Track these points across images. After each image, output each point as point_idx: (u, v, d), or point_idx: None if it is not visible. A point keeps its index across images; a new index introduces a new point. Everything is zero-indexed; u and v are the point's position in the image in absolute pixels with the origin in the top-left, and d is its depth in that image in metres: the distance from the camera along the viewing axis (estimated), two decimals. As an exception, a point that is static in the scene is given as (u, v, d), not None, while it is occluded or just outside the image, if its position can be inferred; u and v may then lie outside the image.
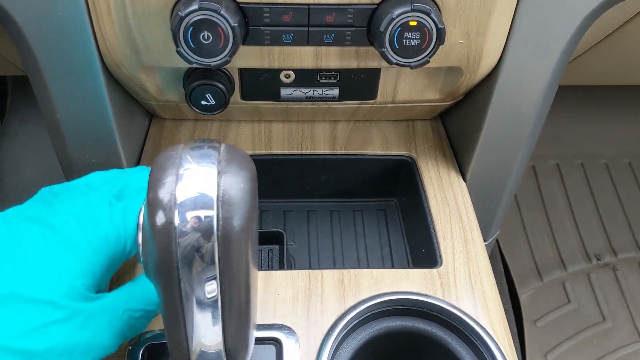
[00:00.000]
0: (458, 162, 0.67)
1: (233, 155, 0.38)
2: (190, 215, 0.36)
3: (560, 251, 1.23)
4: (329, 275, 0.56)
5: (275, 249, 0.65)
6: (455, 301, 0.54)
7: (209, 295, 0.38)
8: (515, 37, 0.54)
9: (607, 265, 1.20)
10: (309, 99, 0.61)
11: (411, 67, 0.51)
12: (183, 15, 0.47)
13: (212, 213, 0.36)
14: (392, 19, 0.48)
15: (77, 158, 0.61)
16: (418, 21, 0.48)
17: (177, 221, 0.36)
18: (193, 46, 0.48)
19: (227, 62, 0.49)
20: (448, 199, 0.63)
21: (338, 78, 0.59)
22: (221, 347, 0.41)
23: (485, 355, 0.52)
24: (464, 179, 0.66)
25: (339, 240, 0.69)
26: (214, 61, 0.49)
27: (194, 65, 0.50)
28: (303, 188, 0.70)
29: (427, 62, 0.51)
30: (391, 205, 0.71)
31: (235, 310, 0.39)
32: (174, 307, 0.39)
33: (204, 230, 0.36)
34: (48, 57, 0.52)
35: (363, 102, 0.62)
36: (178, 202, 0.36)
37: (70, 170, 0.62)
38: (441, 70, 0.60)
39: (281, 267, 0.62)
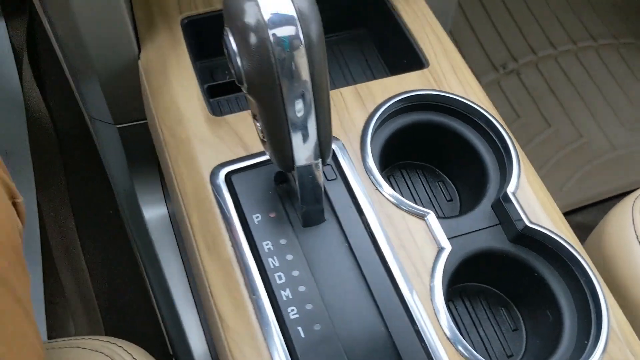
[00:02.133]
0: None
1: None
2: (279, 32, 0.43)
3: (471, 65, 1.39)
4: (347, 92, 0.65)
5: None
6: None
7: (306, 97, 0.46)
8: None
9: (512, 71, 1.38)
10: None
11: None
12: None
13: (296, 28, 0.43)
14: None
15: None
16: None
17: (271, 38, 0.43)
18: None
19: None
20: (416, 12, 0.73)
21: None
22: (315, 139, 0.49)
23: (495, 139, 0.64)
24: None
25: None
26: None
27: None
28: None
29: None
30: (364, 33, 0.80)
31: (325, 106, 0.48)
32: (280, 117, 0.46)
33: (293, 43, 0.43)
34: None
35: None
36: (267, 22, 0.43)
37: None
38: None
39: None
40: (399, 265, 0.55)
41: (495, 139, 0.64)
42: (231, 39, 0.45)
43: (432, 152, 0.69)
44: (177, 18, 0.69)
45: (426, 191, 0.69)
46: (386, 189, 0.60)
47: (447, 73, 0.68)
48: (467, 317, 0.61)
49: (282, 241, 0.56)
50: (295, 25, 0.43)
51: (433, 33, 0.71)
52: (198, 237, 0.58)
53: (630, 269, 0.65)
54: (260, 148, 0.61)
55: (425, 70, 0.68)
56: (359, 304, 0.54)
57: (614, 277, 0.65)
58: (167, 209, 0.89)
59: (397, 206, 0.59)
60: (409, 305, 0.54)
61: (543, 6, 1.47)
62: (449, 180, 0.70)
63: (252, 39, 0.43)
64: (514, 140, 0.63)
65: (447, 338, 0.53)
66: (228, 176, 0.59)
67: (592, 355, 0.52)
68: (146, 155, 0.82)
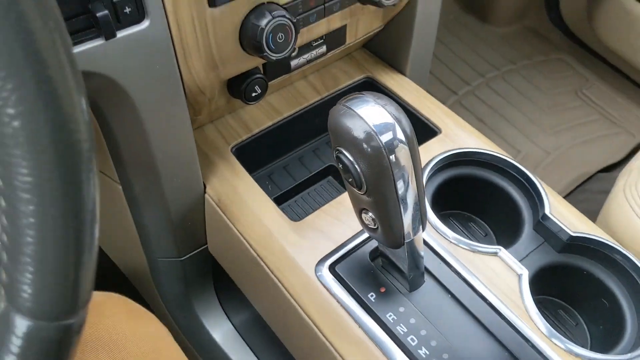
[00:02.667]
0: (394, 67, 0.91)
1: (378, 95, 0.56)
2: (386, 137, 0.54)
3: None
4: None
5: (331, 179, 0.83)
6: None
7: (412, 183, 0.57)
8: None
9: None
10: (309, 62, 0.78)
11: (394, 5, 0.72)
12: (263, 26, 0.61)
13: (397, 131, 0.55)
14: (379, -24, 0.69)
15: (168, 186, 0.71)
16: (395, -29, 0.69)
17: (382, 144, 0.54)
18: (273, 47, 0.63)
19: (294, 50, 0.65)
20: (412, 92, 0.88)
21: (324, 38, 0.77)
22: (419, 215, 0.60)
23: (518, 177, 0.78)
24: (406, 75, 0.90)
25: None
26: (286, 53, 0.64)
27: (272, 61, 0.64)
28: (307, 133, 0.88)
29: (402, -5, 0.72)
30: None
31: (422, 186, 0.58)
32: (395, 205, 0.57)
33: (399, 143, 0.55)
34: (148, 109, 0.61)
35: (338, 48, 0.81)
36: (376, 132, 0.54)
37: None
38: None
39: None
40: (496, 297, 0.67)
41: (519, 177, 0.78)
42: (346, 154, 0.55)
43: (462, 199, 0.82)
44: (227, 149, 0.79)
45: (464, 232, 0.82)
46: (453, 238, 0.72)
47: (457, 132, 0.82)
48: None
49: (401, 309, 0.66)
50: (395, 129, 0.53)
51: (430, 103, 0.86)
52: (322, 326, 0.66)
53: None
54: (346, 237, 0.71)
55: (440, 135, 0.82)
56: (479, 338, 0.65)
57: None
58: (232, 324, 0.95)
59: (472, 251, 0.71)
60: (517, 326, 0.65)
61: (448, 52, 1.70)
62: (479, 219, 0.84)
63: (368, 148, 0.52)
64: (533, 174, 0.78)
65: (555, 344, 0.65)
66: (332, 268, 0.69)
67: None
68: (202, 280, 0.89)
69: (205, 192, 0.77)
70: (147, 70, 0.59)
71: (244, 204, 0.74)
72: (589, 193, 1.35)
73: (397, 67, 0.90)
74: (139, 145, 0.67)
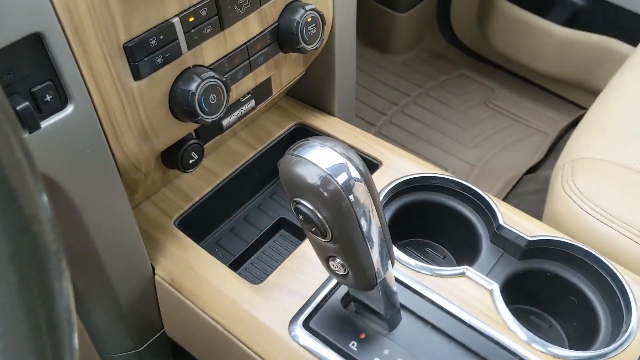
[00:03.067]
0: (321, 108, 0.91)
1: (323, 138, 0.54)
2: (341, 178, 0.52)
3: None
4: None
5: (284, 232, 0.80)
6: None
7: (374, 220, 0.56)
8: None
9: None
10: (240, 118, 0.76)
11: (317, 49, 0.72)
12: (194, 90, 0.58)
13: (351, 169, 0.53)
14: (298, 22, 0.68)
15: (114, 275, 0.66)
16: (312, 17, 0.69)
17: (340, 186, 0.52)
18: (207, 109, 0.60)
19: (226, 108, 0.63)
20: (346, 132, 0.87)
21: (250, 93, 0.76)
22: (386, 251, 0.58)
23: (468, 195, 0.79)
24: (334, 115, 0.90)
25: None
26: (220, 113, 0.62)
27: (207, 124, 0.62)
28: (248, 189, 0.85)
29: (322, 39, 0.72)
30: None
31: (384, 220, 0.57)
32: (363, 245, 0.55)
33: (355, 182, 0.53)
34: (83, 197, 0.57)
35: (266, 100, 0.80)
36: (331, 175, 0.52)
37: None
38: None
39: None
40: (473, 317, 0.66)
41: (466, 193, 0.79)
42: (305, 203, 0.53)
43: (415, 226, 0.82)
44: (170, 223, 0.75)
45: (424, 259, 0.82)
46: (417, 266, 0.71)
47: (397, 161, 0.82)
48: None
49: (386, 352, 0.64)
50: (349, 168, 0.52)
51: (365, 138, 0.86)
52: (310, 387, 0.63)
53: (592, 235, 0.83)
54: (313, 289, 0.69)
55: (382, 167, 0.82)
56: (463, 358, 0.64)
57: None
58: None
59: (440, 276, 0.70)
60: (499, 341, 0.65)
61: (358, 88, 1.73)
62: (434, 243, 0.84)
63: (326, 193, 0.51)
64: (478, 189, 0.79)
65: (536, 349, 0.65)
66: (306, 325, 0.66)
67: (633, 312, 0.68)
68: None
69: (154, 274, 0.72)
70: (78, 157, 0.55)
71: (199, 277, 0.70)
72: (522, 196, 1.39)
73: (325, 108, 0.90)
74: (78, 237, 0.62)
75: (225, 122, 0.74)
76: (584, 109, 1.65)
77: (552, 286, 0.75)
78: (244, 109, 0.75)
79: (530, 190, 1.40)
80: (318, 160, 0.52)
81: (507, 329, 0.66)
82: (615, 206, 0.84)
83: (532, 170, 1.50)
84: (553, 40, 1.56)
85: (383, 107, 1.68)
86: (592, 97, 1.07)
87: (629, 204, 0.84)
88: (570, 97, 1.66)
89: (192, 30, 0.59)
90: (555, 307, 0.76)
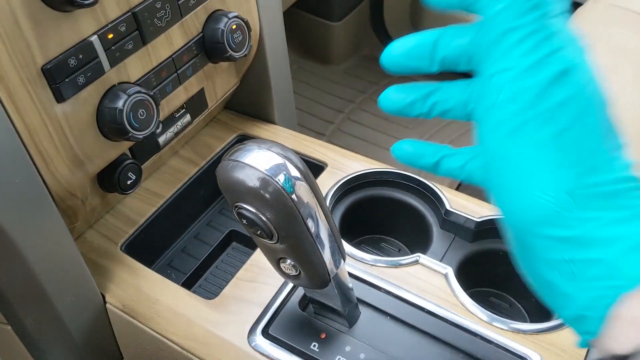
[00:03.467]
0: (262, 118, 0.90)
1: (259, 141, 0.54)
2: (281, 177, 0.52)
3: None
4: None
5: (236, 245, 0.79)
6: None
7: (320, 216, 0.55)
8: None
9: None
10: (177, 134, 0.75)
11: (246, 56, 0.71)
12: (121, 107, 0.57)
13: (290, 168, 0.53)
14: (223, 31, 0.68)
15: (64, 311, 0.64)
16: (237, 24, 0.69)
17: (280, 185, 0.52)
18: (137, 125, 0.59)
19: (159, 125, 0.62)
20: (286, 136, 0.87)
21: (185, 107, 0.75)
22: (335, 246, 0.58)
23: (414, 185, 0.79)
24: (276, 123, 0.90)
25: None
26: (152, 128, 0.61)
27: (139, 140, 0.61)
28: (196, 207, 0.84)
29: (251, 46, 0.72)
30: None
31: (330, 215, 0.57)
32: (311, 243, 0.55)
33: (295, 180, 0.53)
34: (19, 232, 0.55)
35: (202, 113, 0.79)
36: (270, 175, 0.52)
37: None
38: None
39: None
40: (431, 303, 0.67)
41: (412, 184, 0.80)
42: (247, 207, 0.53)
43: (367, 223, 0.82)
44: (116, 249, 0.73)
45: (379, 254, 0.82)
46: (371, 260, 0.71)
47: (342, 161, 0.83)
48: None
49: (347, 348, 0.63)
50: (288, 167, 0.52)
51: (308, 142, 0.86)
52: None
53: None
54: (270, 296, 0.68)
55: (328, 168, 0.82)
56: (430, 348, 0.64)
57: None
58: None
59: (395, 266, 0.71)
60: (459, 324, 0.65)
61: (303, 100, 1.74)
62: (388, 238, 0.84)
63: (267, 194, 0.50)
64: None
65: (499, 327, 0.65)
66: (265, 333, 0.65)
67: None
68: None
69: (105, 303, 0.70)
70: (7, 189, 0.53)
71: (151, 300, 0.68)
72: (470, 187, 1.41)
73: (266, 117, 0.89)
74: (19, 273, 0.60)
75: (161, 140, 0.72)
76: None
77: (506, 264, 0.75)
78: (179, 124, 0.74)
79: (480, 179, 1.42)
80: (256, 163, 0.52)
81: (467, 311, 0.67)
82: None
83: (480, 160, 1.53)
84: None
85: (330, 116, 1.69)
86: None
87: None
88: (508, 86, 1.71)
89: (113, 47, 0.58)
90: (512, 285, 0.77)
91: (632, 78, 1.01)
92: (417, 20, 1.74)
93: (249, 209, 0.53)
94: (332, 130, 1.65)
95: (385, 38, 1.87)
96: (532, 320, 0.75)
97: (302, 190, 0.53)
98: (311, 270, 0.57)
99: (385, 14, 1.82)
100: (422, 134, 1.62)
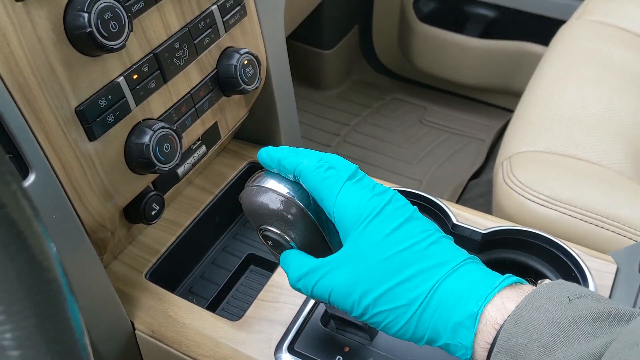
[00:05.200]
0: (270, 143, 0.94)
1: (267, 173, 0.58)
2: (301, 197, 0.56)
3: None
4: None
5: (254, 268, 0.83)
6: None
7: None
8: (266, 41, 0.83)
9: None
10: (194, 165, 0.78)
11: (257, 88, 0.76)
12: (148, 142, 0.61)
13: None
14: (235, 66, 0.72)
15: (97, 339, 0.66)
16: (248, 59, 0.74)
17: (301, 205, 0.55)
18: (163, 158, 0.63)
19: (180, 155, 0.65)
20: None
21: (200, 139, 0.79)
22: None
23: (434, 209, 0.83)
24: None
25: None
26: (176, 160, 0.65)
27: (165, 172, 0.64)
28: (212, 233, 0.87)
29: (261, 79, 0.77)
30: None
31: None
32: (329, 250, 0.58)
33: (314, 202, 0.57)
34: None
35: (216, 144, 0.83)
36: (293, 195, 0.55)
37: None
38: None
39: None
40: None
41: (419, 201, 0.84)
42: (272, 229, 0.56)
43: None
44: (141, 277, 0.76)
45: None
46: None
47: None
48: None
49: (371, 359, 0.67)
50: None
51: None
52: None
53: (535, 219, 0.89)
54: (292, 315, 0.71)
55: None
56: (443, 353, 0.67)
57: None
58: None
59: None
60: None
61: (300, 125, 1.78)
62: None
63: (291, 215, 0.55)
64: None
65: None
66: (291, 349, 0.68)
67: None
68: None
69: (134, 329, 0.73)
70: (46, 224, 0.56)
71: (179, 324, 0.71)
72: (470, 200, 1.46)
73: (273, 143, 0.93)
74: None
75: (180, 171, 0.76)
76: (512, 111, 1.75)
77: (512, 272, 0.79)
78: (196, 155, 0.78)
79: (477, 194, 1.47)
80: (277, 187, 0.56)
81: None
82: (555, 190, 0.90)
83: (476, 176, 1.58)
84: (472, 53, 1.66)
85: (326, 139, 1.74)
86: (518, 99, 1.15)
87: (567, 186, 0.91)
88: (498, 103, 1.76)
89: (138, 87, 0.62)
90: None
91: (620, 87, 1.06)
92: (404, 45, 1.80)
93: (274, 230, 0.57)
94: (331, 152, 1.70)
95: (376, 63, 1.92)
96: None
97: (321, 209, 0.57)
98: None
99: (374, 41, 1.88)
100: (417, 152, 1.67)
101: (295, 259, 0.56)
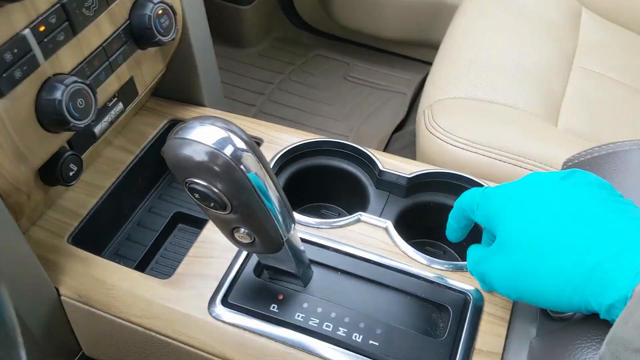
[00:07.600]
0: (191, 102, 0.92)
1: (200, 118, 0.56)
2: (228, 150, 0.55)
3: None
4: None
5: (182, 226, 0.82)
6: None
7: (269, 182, 0.58)
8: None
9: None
10: (111, 123, 0.75)
11: (173, 39, 0.73)
12: (60, 97, 0.58)
13: (236, 140, 0.56)
14: (150, 16, 0.69)
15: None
16: (162, 8, 0.71)
17: (229, 157, 0.54)
18: (77, 115, 0.60)
19: (96, 111, 0.63)
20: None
21: (116, 96, 0.76)
22: (285, 210, 0.61)
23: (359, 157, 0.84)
24: (206, 105, 0.92)
25: None
26: (92, 116, 0.62)
27: (80, 129, 0.61)
28: (136, 194, 0.85)
29: (177, 29, 0.74)
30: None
31: (276, 181, 0.60)
32: (264, 210, 0.58)
33: (242, 151, 0.56)
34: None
35: (133, 101, 0.80)
36: (217, 148, 0.54)
37: None
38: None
39: None
40: (376, 254, 0.72)
41: (345, 150, 0.84)
42: (199, 181, 0.55)
43: (307, 191, 0.86)
44: (63, 242, 0.73)
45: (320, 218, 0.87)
46: (317, 223, 0.76)
47: (277, 136, 0.86)
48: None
49: (305, 305, 0.68)
50: (233, 140, 0.54)
51: (240, 120, 0.89)
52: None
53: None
54: (224, 268, 0.71)
55: (264, 144, 0.85)
56: (381, 295, 0.69)
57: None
58: None
59: (339, 227, 0.75)
60: (404, 270, 0.71)
61: (222, 85, 1.75)
62: (328, 204, 0.89)
63: (217, 167, 0.53)
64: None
65: (437, 268, 0.72)
66: (224, 302, 0.68)
67: None
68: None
69: (60, 296, 0.70)
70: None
71: (107, 286, 0.70)
72: (395, 153, 1.48)
73: (194, 101, 0.91)
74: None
75: (97, 130, 0.73)
76: (431, 64, 1.79)
77: (437, 215, 0.82)
78: (113, 113, 0.75)
79: (401, 145, 1.50)
80: (201, 138, 0.54)
81: (408, 257, 0.73)
82: (475, 134, 0.93)
83: (399, 128, 1.61)
84: (391, 5, 1.67)
85: (251, 98, 1.72)
86: (437, 52, 1.17)
87: (485, 129, 0.94)
88: (418, 56, 1.79)
89: (45, 40, 0.58)
90: (444, 233, 0.84)
91: (534, 33, 1.10)
92: (325, 1, 1.79)
93: (200, 182, 0.56)
94: (255, 112, 1.68)
95: (297, 20, 1.90)
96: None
97: (250, 161, 0.56)
98: (265, 236, 0.61)
99: (293, -5, 1.85)
100: (342, 108, 1.68)
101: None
